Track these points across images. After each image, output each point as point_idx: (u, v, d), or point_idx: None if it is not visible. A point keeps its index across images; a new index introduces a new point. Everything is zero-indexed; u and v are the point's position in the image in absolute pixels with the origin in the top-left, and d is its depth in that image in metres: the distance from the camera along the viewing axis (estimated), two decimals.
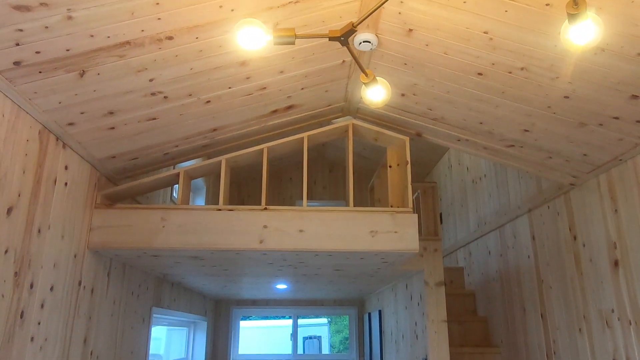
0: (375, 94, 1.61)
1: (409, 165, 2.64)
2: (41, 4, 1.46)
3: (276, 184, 6.36)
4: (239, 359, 5.98)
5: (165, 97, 2.10)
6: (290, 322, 6.78)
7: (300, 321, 6.21)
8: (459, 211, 4.85)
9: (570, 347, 2.78)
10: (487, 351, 3.73)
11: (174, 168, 3.34)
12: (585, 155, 2.45)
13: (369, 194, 3.72)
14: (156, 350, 4.73)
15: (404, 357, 3.77)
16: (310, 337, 8.96)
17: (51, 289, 2.07)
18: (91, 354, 2.45)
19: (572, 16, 1.22)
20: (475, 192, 4.36)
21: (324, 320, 9.51)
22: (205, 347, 5.40)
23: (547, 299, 3.05)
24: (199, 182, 4.70)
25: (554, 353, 2.95)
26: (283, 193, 6.36)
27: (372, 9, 1.37)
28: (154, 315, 3.57)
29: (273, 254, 2.56)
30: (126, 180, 2.75)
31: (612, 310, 2.44)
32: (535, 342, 3.18)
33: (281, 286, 4.42)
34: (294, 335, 6.15)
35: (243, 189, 6.30)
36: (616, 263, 2.43)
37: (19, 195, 1.84)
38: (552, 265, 2.99)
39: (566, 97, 2.08)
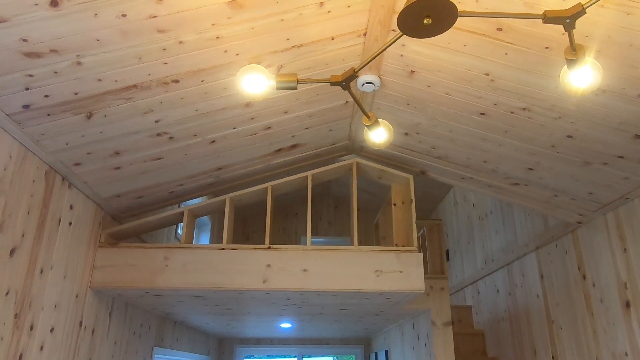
0: (378, 135, 1.63)
1: (413, 204, 2.63)
2: (51, 50, 1.50)
3: (281, 219, 6.35)
4: None
5: (170, 137, 2.13)
6: None
7: None
8: (465, 248, 4.79)
9: None
10: None
11: (179, 206, 3.35)
12: (591, 193, 2.43)
13: (374, 231, 3.69)
14: None
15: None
16: None
17: (51, 330, 2.04)
18: None
19: (570, 62, 1.24)
20: (482, 229, 4.32)
21: (330, 359, 9.28)
22: None
23: (558, 340, 2.97)
24: (204, 218, 4.70)
25: None
26: (288, 228, 6.34)
27: (374, 55, 1.40)
28: (156, 355, 3.50)
29: (277, 293, 2.52)
30: (131, 219, 2.75)
31: (626, 354, 2.36)
32: None
33: (285, 325, 4.34)
34: None
35: (248, 225, 6.28)
36: (627, 304, 2.37)
37: (23, 236, 1.84)
38: (562, 305, 2.93)
39: (569, 136, 2.08)
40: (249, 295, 2.59)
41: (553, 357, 3.02)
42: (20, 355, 1.83)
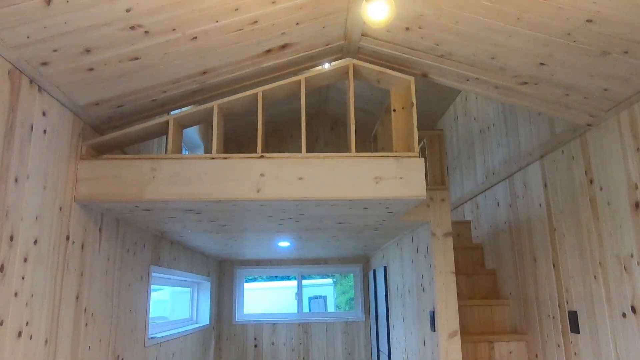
0: (378, 10, 1.42)
1: (414, 108, 2.46)
2: None
3: (276, 142, 6.19)
4: (244, 319, 5.97)
5: (146, 31, 1.91)
6: (294, 283, 6.75)
7: (305, 282, 6.18)
8: (465, 164, 4.68)
9: (584, 295, 2.67)
10: (495, 303, 3.65)
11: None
12: (606, 90, 2.26)
13: (372, 144, 3.55)
14: (161, 313, 4.69)
15: (411, 311, 3.70)
16: (316, 297, 8.99)
17: (35, 242, 1.94)
18: (85, 310, 2.36)
19: None
20: (483, 143, 4.18)
21: (329, 280, 9.52)
22: (210, 307, 5.37)
23: (559, 248, 2.92)
24: (196, 139, 4.54)
25: (567, 302, 2.85)
26: (284, 151, 6.20)
27: None
28: (153, 274, 3.48)
29: (272, 204, 2.42)
30: (113, 131, 2.59)
31: (632, 255, 2.30)
32: (547, 292, 3.08)
33: (284, 244, 4.32)
34: (299, 294, 6.12)
35: (244, 148, 6.13)
36: (637, 205, 2.28)
37: None
38: (566, 212, 2.85)
39: (589, 20, 1.87)
40: (243, 207, 2.49)
41: (554, 264, 2.99)
42: (2, 266, 1.74)
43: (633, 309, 2.28)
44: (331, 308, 9.25)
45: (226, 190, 2.29)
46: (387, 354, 4.56)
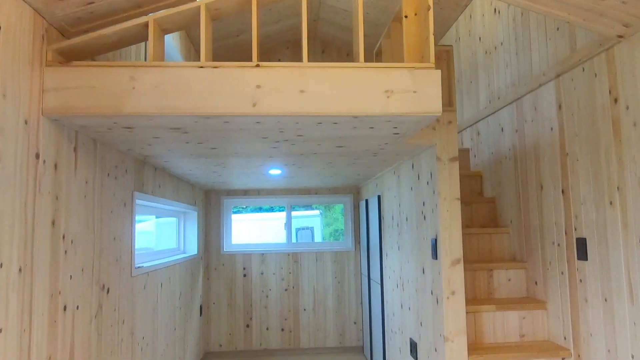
0: None
1: (430, 12, 2.16)
2: None
3: None
4: (233, 249, 5.87)
5: None
6: (282, 214, 6.65)
7: (293, 213, 6.04)
8: (467, 88, 4.43)
9: (597, 222, 2.54)
10: (495, 231, 3.55)
11: None
12: None
13: (374, 60, 3.25)
14: (146, 244, 4.52)
15: (408, 240, 3.58)
16: (303, 228, 8.96)
17: None
18: (64, 237, 2.14)
19: None
20: (488, 65, 3.91)
21: (316, 212, 9.48)
22: (197, 237, 5.23)
23: (571, 173, 2.76)
24: (177, 56, 4.15)
25: (575, 229, 2.73)
26: None
27: None
28: (137, 200, 3.25)
29: (269, 121, 2.16)
30: (83, 34, 2.24)
31: None
32: (552, 219, 2.96)
33: (275, 171, 4.10)
34: (288, 224, 6.01)
35: None
36: None
37: None
38: (582, 135, 2.66)
39: None
40: (236, 125, 2.23)
41: (563, 190, 2.85)
42: None
43: None
44: (318, 239, 9.27)
45: (217, 103, 2.01)
46: (379, 283, 4.53)
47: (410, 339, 3.51)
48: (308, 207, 9.08)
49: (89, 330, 2.39)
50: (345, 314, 5.80)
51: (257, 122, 2.19)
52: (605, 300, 2.48)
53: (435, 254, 2.91)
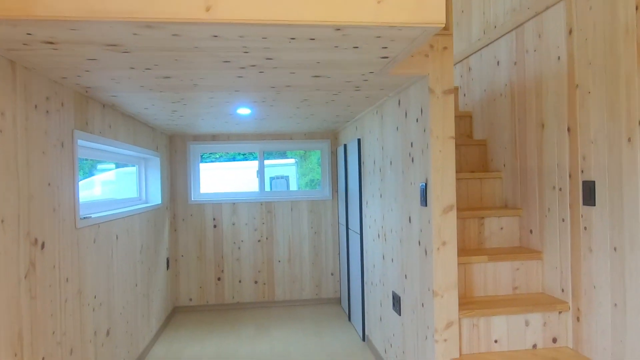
0: None
1: None
2: None
3: None
4: (202, 199, 5.47)
5: None
6: (255, 163, 6.25)
7: (267, 162, 5.62)
8: (457, 19, 3.99)
9: (610, 163, 2.23)
10: (486, 176, 3.24)
11: None
12: None
13: None
14: (109, 196, 4.07)
15: (392, 186, 3.25)
16: (278, 177, 8.59)
17: None
18: None
19: None
20: None
21: (291, 160, 9.09)
22: (161, 186, 4.80)
23: (580, 108, 2.43)
24: None
25: (582, 172, 2.43)
26: None
27: None
28: (79, 141, 2.78)
29: (228, 34, 1.71)
30: None
31: None
32: (554, 161, 2.65)
33: (243, 111, 3.66)
34: (261, 172, 5.61)
35: None
36: None
37: None
38: (597, 63, 2.30)
39: None
40: (189, 42, 1.77)
41: (569, 129, 2.52)
42: None
43: None
44: (293, 188, 8.93)
45: (161, 7, 1.55)
46: (359, 233, 4.23)
47: (393, 292, 3.24)
48: (283, 155, 8.69)
49: (17, 292, 1.99)
50: (322, 265, 5.56)
51: (215, 37, 1.74)
52: (615, 249, 2.21)
53: (424, 201, 2.58)
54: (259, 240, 5.48)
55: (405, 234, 2.97)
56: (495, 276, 2.81)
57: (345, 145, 4.79)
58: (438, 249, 2.48)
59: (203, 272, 5.41)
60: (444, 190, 2.48)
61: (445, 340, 2.48)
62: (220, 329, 4.71)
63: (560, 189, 2.61)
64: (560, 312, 2.59)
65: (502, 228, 3.05)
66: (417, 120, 2.69)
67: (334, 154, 5.57)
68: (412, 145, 2.79)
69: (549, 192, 2.71)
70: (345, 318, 4.95)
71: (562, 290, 2.62)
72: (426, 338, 2.62)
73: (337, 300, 5.57)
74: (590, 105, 2.35)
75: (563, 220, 2.60)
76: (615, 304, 2.21)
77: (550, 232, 2.72)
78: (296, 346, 4.18)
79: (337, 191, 5.53)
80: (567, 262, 2.57)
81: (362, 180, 4.15)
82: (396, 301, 3.17)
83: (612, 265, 2.24)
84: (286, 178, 8.97)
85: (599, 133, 2.30)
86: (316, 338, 4.38)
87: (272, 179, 8.50)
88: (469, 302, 2.67)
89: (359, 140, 4.18)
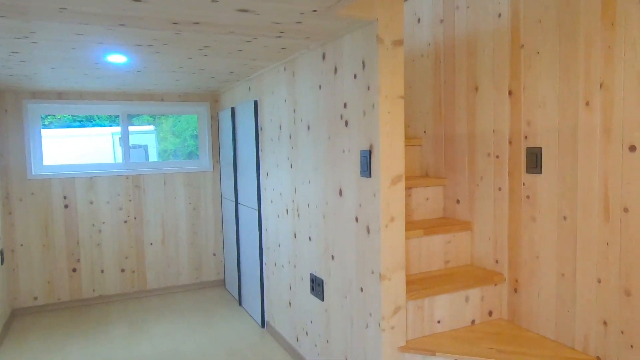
0: None
1: None
2: None
3: None
4: (46, 172, 4.37)
5: None
6: (107, 130, 5.28)
7: (118, 129, 4.68)
8: None
9: (561, 128, 2.12)
10: (405, 143, 3.01)
11: None
12: None
13: None
14: None
15: (311, 154, 2.82)
16: (135, 147, 7.48)
17: None
18: None
19: None
20: None
21: (150, 127, 8.00)
22: None
23: (526, 70, 2.28)
24: None
25: (525, 138, 2.30)
26: None
27: None
28: None
29: None
30: None
31: None
32: (490, 127, 2.50)
33: (117, 58, 2.84)
34: (125, 140, 4.69)
35: None
36: None
37: None
38: (549, 20, 2.15)
39: None
40: None
41: (511, 92, 2.37)
42: None
43: None
44: (153, 158, 7.91)
45: None
46: (256, 209, 3.74)
47: (312, 275, 2.87)
48: (140, 120, 7.60)
49: None
50: (201, 245, 4.92)
51: None
52: (565, 218, 2.13)
53: (368, 171, 2.21)
54: (125, 221, 4.60)
55: (331, 209, 2.59)
56: (429, 251, 2.61)
57: (232, 109, 4.19)
58: (386, 226, 2.15)
59: (52, 264, 4.37)
60: (393, 158, 2.14)
61: (392, 327, 2.20)
62: (83, 331, 3.84)
63: (497, 157, 2.48)
64: (495, 285, 2.49)
65: (427, 199, 2.86)
66: (355, 77, 2.28)
67: (214, 119, 4.90)
68: (345, 107, 2.39)
69: (483, 160, 2.57)
70: (235, 303, 4.45)
71: (497, 262, 2.53)
72: (367, 326, 2.30)
73: (221, 283, 5.02)
74: (539, 67, 2.21)
75: (500, 189, 2.47)
76: (563, 274, 2.15)
77: (482, 202, 2.59)
78: (184, 342, 3.58)
79: (219, 161, 4.90)
80: (504, 233, 2.46)
81: (260, 148, 3.63)
82: (317, 285, 2.80)
83: (559, 235, 2.16)
84: (144, 147, 7.90)
85: (549, 97, 2.17)
86: (206, 329, 3.82)
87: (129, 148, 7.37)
88: (409, 282, 2.42)
89: (255, 103, 3.63)
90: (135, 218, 4.64)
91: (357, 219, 2.34)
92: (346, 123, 2.39)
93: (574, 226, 2.09)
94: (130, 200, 4.60)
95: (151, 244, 4.72)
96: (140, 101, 4.58)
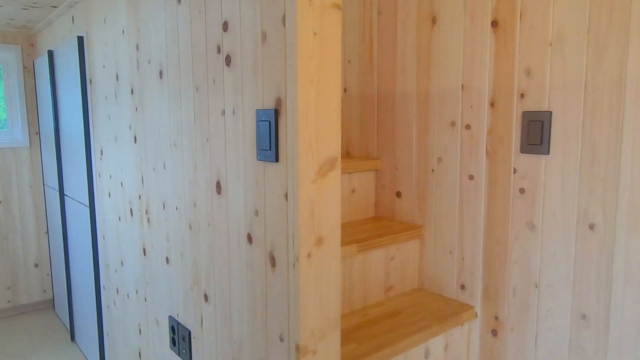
0: None
1: None
2: None
3: None
4: None
5: None
6: None
7: None
8: None
9: (594, 73, 1.27)
10: None
11: None
12: None
13: None
14: None
15: (166, 119, 1.68)
16: None
17: None
18: None
19: None
20: None
21: None
22: None
23: None
24: None
25: (522, 96, 1.44)
26: None
27: None
28: None
29: None
30: None
31: None
32: (457, 80, 1.60)
33: None
34: None
35: None
36: None
37: None
38: None
39: None
40: None
41: (496, 22, 1.48)
42: None
43: None
44: None
45: None
46: (88, 205, 2.46)
47: (172, 320, 1.75)
48: None
49: None
50: (15, 254, 3.45)
51: None
52: (592, 227, 1.31)
53: (272, 150, 1.15)
54: None
55: (203, 215, 1.49)
56: (365, 275, 1.65)
57: (50, 53, 2.78)
58: (309, 255, 1.13)
59: None
60: (324, 124, 1.11)
61: None
62: None
63: (467, 127, 1.59)
64: (462, 325, 1.63)
65: (354, 190, 1.89)
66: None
67: (28, 71, 3.39)
68: (226, 29, 1.28)
69: (442, 132, 1.67)
70: (67, 335, 3.13)
71: (462, 288, 1.67)
72: None
73: (49, 304, 3.61)
74: None
75: (471, 177, 1.60)
76: (584, 315, 1.34)
77: (440, 196, 1.70)
78: None
79: (38, 134, 3.43)
80: (477, 245, 1.60)
81: (91, 111, 2.35)
82: (180, 337, 1.70)
83: (581, 252, 1.34)
84: None
85: (570, 26, 1.31)
86: None
87: None
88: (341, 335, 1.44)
89: (80, 40, 2.32)
90: None
91: (250, 239, 1.28)
92: (227, 60, 1.28)
93: (609, 240, 1.27)
94: None
95: None
96: None
